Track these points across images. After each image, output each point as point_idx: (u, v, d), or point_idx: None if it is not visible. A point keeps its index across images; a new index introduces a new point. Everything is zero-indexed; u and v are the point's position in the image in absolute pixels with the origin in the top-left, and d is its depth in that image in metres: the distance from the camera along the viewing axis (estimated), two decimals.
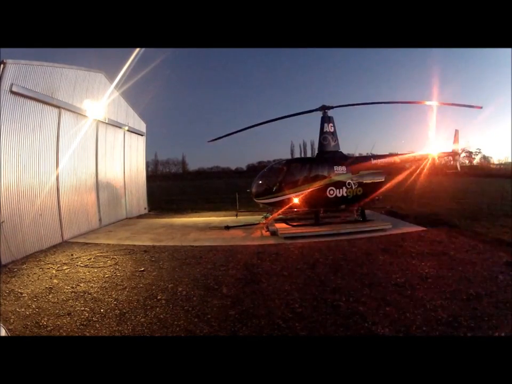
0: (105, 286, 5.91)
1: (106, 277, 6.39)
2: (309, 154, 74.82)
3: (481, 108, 11.17)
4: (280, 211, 10.63)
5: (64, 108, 9.88)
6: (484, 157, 72.16)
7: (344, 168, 10.66)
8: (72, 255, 8.07)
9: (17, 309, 4.91)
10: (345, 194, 10.60)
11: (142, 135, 17.13)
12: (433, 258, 7.03)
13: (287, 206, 10.26)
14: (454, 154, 14.25)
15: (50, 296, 5.44)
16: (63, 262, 7.47)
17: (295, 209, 10.61)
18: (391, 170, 12.32)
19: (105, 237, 10.44)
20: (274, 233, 10.21)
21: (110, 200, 13.40)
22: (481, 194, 21.51)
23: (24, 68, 8.15)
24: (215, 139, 12.23)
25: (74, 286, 5.92)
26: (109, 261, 7.51)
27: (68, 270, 6.88)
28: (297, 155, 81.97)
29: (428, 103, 11.09)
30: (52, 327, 4.34)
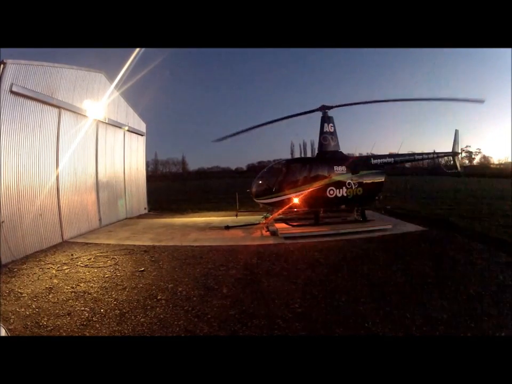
0: (105, 286, 5.91)
1: (106, 277, 6.39)
2: (309, 154, 74.82)
3: (483, 102, 11.20)
4: (280, 211, 10.63)
5: (64, 108, 9.88)
6: (484, 157, 72.25)
7: (344, 168, 10.67)
8: (72, 255, 8.07)
9: (17, 309, 4.91)
10: (345, 194, 10.59)
11: (142, 135, 17.13)
12: (433, 258, 7.04)
13: (287, 206, 10.26)
14: (454, 154, 14.29)
15: (50, 296, 5.43)
16: (63, 262, 7.46)
17: (295, 209, 10.62)
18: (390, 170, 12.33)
19: (105, 237, 10.43)
20: (274, 233, 10.21)
21: (110, 200, 13.39)
22: (481, 194, 21.52)
23: (24, 68, 8.14)
24: (220, 139, 12.22)
25: (74, 286, 5.92)
26: (109, 261, 7.51)
27: (68, 270, 6.88)
28: (297, 155, 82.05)
29: (425, 99, 11.14)
30: (52, 327, 4.34)
